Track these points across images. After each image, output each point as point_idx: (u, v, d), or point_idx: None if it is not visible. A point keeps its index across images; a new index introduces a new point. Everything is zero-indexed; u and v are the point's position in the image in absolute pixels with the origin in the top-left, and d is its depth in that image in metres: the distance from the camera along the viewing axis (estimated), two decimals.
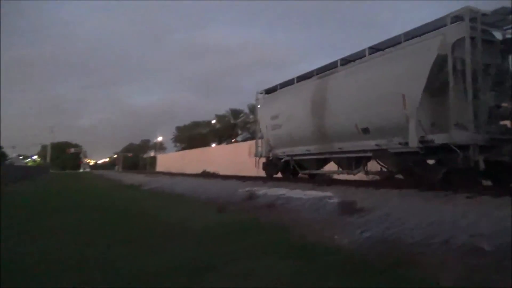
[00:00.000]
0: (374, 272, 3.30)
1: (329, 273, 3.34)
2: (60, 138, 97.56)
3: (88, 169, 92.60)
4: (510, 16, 7.98)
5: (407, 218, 5.37)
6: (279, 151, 14.06)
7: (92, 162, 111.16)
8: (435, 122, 8.20)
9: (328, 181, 11.62)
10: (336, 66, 11.53)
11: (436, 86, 8.02)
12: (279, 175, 15.15)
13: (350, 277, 3.20)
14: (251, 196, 9.68)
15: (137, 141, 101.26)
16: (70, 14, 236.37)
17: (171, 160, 57.97)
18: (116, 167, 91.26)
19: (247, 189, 11.04)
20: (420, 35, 9.01)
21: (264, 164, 15.72)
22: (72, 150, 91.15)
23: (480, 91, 7.58)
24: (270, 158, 15.01)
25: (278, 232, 5.39)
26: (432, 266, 3.32)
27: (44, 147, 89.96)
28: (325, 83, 11.44)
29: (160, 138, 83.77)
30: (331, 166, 12.95)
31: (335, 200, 7.47)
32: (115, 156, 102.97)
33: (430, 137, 7.98)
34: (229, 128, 60.05)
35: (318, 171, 13.13)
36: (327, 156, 11.75)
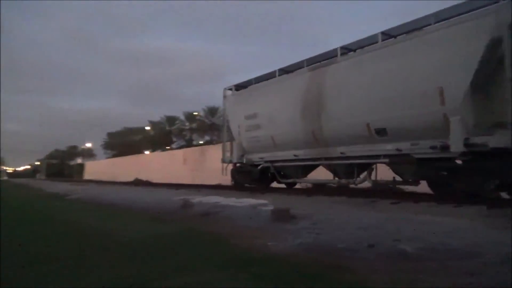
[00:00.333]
0: (308, 277, 3.37)
1: (264, 281, 3.34)
2: None
3: (5, 177, 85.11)
4: None
5: (337, 224, 5.58)
6: (255, 157, 12.11)
7: (10, 170, 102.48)
8: (479, 122, 6.70)
9: (262, 189, 11.74)
10: (335, 56, 9.72)
11: (483, 77, 6.60)
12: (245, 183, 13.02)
13: (285, 283, 3.23)
14: (186, 205, 9.48)
15: (64, 147, 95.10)
16: None
17: (101, 168, 55.27)
18: (38, 174, 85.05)
19: (181, 197, 10.81)
20: (455, 16, 7.50)
21: (233, 171, 13.49)
22: None
23: None
24: (241, 164, 12.91)
25: (213, 242, 5.32)
26: (361, 269, 3.47)
27: None
28: (321, 76, 9.65)
29: (89, 145, 79.54)
30: (318, 174, 11.50)
31: (270, 207, 7.56)
32: (38, 163, 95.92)
33: (479, 139, 6.56)
34: (163, 135, 58.64)
35: (304, 180, 11.46)
36: (321, 162, 10.10)
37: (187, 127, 57.37)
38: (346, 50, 9.62)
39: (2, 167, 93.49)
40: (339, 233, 5.01)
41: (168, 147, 53.84)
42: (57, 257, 4.69)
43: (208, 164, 27.32)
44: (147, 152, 50.64)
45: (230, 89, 13.62)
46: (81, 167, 68.31)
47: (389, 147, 8.04)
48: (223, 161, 13.74)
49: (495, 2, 6.82)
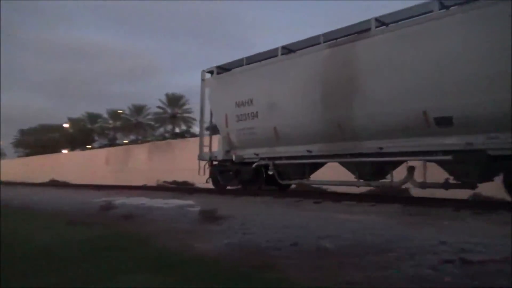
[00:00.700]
0: (235, 277, 3.40)
1: (192, 282, 3.31)
2: None
3: None
4: None
5: (263, 224, 5.70)
6: (247, 152, 10.14)
7: None
8: None
9: (190, 190, 11.60)
10: (367, 29, 7.91)
11: None
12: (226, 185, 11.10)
13: (214, 283, 3.23)
14: (108, 207, 9.04)
15: None
16: None
17: (11, 168, 50.58)
18: None
19: (103, 199, 10.28)
20: None
21: (213, 170, 11.33)
22: None
23: None
24: (225, 163, 10.84)
25: (138, 245, 5.13)
26: (286, 267, 3.58)
27: None
28: (350, 54, 7.91)
29: None
30: (323, 174, 9.60)
31: (197, 208, 7.50)
32: None
33: None
34: (84, 134, 55.34)
35: (316, 182, 9.71)
36: (343, 160, 8.32)
37: (110, 126, 54.75)
38: (380, 23, 7.90)
39: None
40: (265, 233, 5.11)
41: (89, 146, 50.92)
42: None
43: (132, 164, 26.33)
44: (65, 151, 47.39)
45: (210, 72, 11.41)
46: None
47: (453, 141, 6.63)
48: (200, 158, 11.62)
49: None
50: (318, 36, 8.88)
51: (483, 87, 6.18)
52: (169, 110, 49.43)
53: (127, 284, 3.38)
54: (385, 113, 7.36)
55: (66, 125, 57.07)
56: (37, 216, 9.18)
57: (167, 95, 49.43)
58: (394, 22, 7.84)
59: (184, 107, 49.42)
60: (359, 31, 8.20)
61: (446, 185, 7.09)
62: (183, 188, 11.80)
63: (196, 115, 47.26)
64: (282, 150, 9.38)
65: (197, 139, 25.09)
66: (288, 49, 9.66)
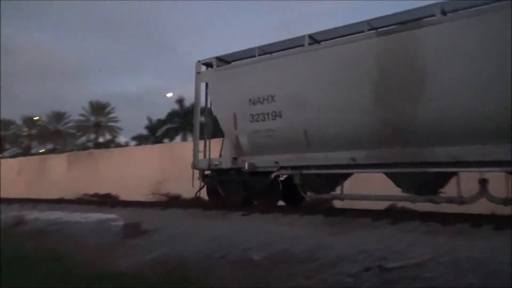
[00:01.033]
0: None
1: None
2: None
3: None
4: None
5: (191, 237, 5.58)
6: (263, 160, 8.37)
7: None
8: None
9: (113, 203, 11.03)
10: (430, 15, 6.91)
11: None
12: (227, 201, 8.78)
13: None
14: (18, 222, 8.27)
15: None
16: None
17: None
18: None
19: (14, 213, 9.40)
20: None
21: (211, 181, 9.23)
22: None
23: None
24: (230, 171, 8.80)
25: (50, 263, 4.74)
26: (212, 279, 3.52)
27: None
28: (413, 41, 6.71)
29: None
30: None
31: (120, 222, 7.15)
32: None
33: None
34: None
35: (354, 196, 7.98)
36: (396, 170, 6.92)
37: (24, 133, 50.52)
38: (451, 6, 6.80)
39: None
40: (192, 246, 5.01)
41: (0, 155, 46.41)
42: None
43: (48, 175, 24.48)
44: None
45: (206, 65, 9.74)
46: None
47: None
48: (195, 166, 9.40)
49: None
50: (358, 24, 7.74)
51: None
52: (92, 118, 46.96)
53: None
54: (467, 112, 6.03)
55: None
56: None
57: (90, 102, 46.99)
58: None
59: (109, 116, 47.26)
60: (417, 18, 7.14)
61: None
62: (105, 201, 11.08)
63: (123, 124, 45.35)
64: (314, 157, 7.67)
65: (123, 149, 24.09)
66: (314, 39, 8.27)
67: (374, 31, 7.53)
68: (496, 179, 6.26)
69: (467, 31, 6.26)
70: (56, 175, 24.09)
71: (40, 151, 44.68)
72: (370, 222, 6.29)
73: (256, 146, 8.43)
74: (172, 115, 28.87)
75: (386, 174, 7.06)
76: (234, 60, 9.53)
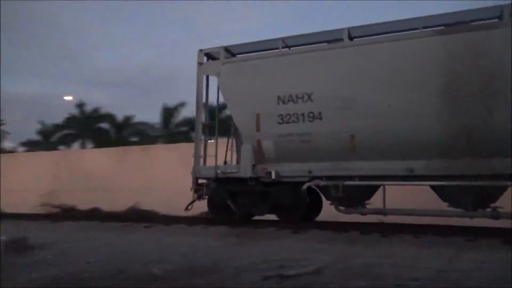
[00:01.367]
0: None
1: None
2: None
3: None
4: None
5: (84, 252, 5.18)
6: (292, 169, 7.35)
7: None
8: None
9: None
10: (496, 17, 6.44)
11: None
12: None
13: None
14: None
15: None
16: None
17: None
18: None
19: None
20: None
21: (220, 192, 7.86)
22: None
23: None
24: (245, 180, 7.58)
25: None
26: None
27: None
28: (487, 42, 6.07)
29: None
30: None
31: (2, 237, 6.36)
32: None
33: None
34: None
35: (400, 211, 6.89)
36: (457, 182, 6.21)
37: None
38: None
39: None
40: (86, 262, 4.64)
41: None
42: None
43: None
44: None
45: (207, 55, 8.53)
46: None
47: None
48: (198, 174, 8.13)
49: None
50: (419, 19, 6.93)
51: None
52: None
53: None
54: None
55: None
56: None
57: None
58: None
59: None
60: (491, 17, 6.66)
61: None
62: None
63: (9, 127, 40.70)
64: (359, 167, 6.84)
65: (9, 156, 21.48)
66: (366, 33, 7.49)
67: (447, 28, 6.83)
68: None
69: None
70: None
71: None
72: (274, 232, 6.52)
73: (284, 152, 7.36)
74: (70, 120, 26.70)
75: (435, 187, 6.56)
76: (246, 52, 8.44)
